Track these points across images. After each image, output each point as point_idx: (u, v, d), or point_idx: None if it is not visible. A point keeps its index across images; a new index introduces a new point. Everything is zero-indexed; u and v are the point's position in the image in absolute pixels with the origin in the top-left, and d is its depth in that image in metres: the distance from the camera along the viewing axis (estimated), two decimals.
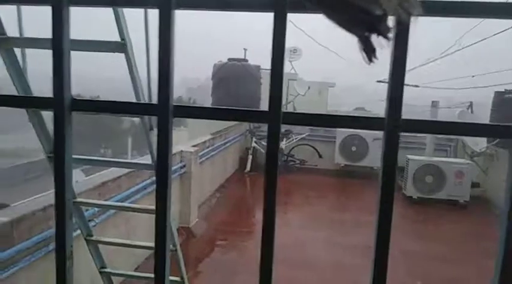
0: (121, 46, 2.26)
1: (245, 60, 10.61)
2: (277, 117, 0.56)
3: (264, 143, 10.50)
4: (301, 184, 9.65)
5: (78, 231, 3.16)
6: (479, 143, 9.36)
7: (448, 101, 12.79)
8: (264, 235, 0.58)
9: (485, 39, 8.10)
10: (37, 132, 2.59)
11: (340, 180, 10.18)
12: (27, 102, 0.73)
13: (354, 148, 10.42)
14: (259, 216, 8.00)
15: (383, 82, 10.46)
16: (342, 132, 10.36)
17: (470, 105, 10.52)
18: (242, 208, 8.04)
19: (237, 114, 0.60)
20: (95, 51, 2.21)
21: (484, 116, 9.56)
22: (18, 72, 2.44)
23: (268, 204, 0.58)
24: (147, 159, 3.16)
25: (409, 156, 8.74)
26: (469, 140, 9.56)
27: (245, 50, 11.24)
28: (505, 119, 8.37)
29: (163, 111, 0.58)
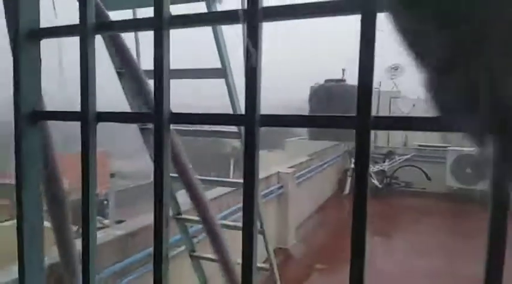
0: (222, 72, 2.41)
1: (343, 80, 10.45)
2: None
3: None
4: (406, 209, 8.94)
5: (183, 247, 3.37)
6: None
7: None
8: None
9: None
10: (150, 153, 2.88)
11: (452, 204, 9.18)
12: (131, 117, 0.81)
13: (468, 170, 9.36)
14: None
15: None
16: (453, 152, 9.42)
17: None
18: (341, 232, 7.73)
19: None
20: (197, 78, 2.40)
21: None
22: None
23: None
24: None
25: None
26: None
27: (343, 70, 11.09)
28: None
29: (251, 121, 0.59)
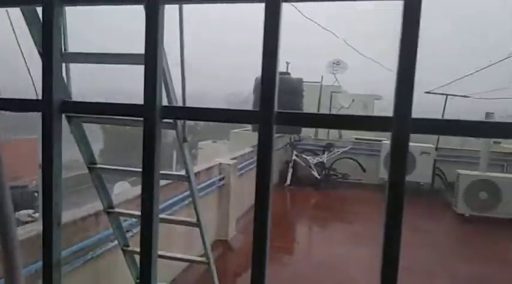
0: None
1: (287, 73, 10.61)
2: (268, 117, 0.51)
3: (305, 156, 10.37)
4: (343, 199, 9.36)
5: (116, 241, 3.23)
6: None
7: (504, 113, 11.96)
8: (254, 252, 0.52)
9: None
10: (78, 144, 2.70)
11: (384, 195, 9.76)
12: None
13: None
14: (299, 230, 7.83)
15: (432, 93, 9.99)
16: (387, 146, 9.98)
17: None
18: (282, 223, 7.91)
19: (228, 114, 0.55)
20: (123, 63, 2.27)
21: None
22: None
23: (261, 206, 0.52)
24: (182, 171, 3.18)
25: (460, 171, 8.22)
26: None
27: (287, 63, 11.25)
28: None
29: (151, 112, 0.55)
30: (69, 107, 0.59)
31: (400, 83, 0.47)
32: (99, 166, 2.68)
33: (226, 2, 0.53)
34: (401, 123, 0.47)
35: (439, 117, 0.48)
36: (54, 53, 0.57)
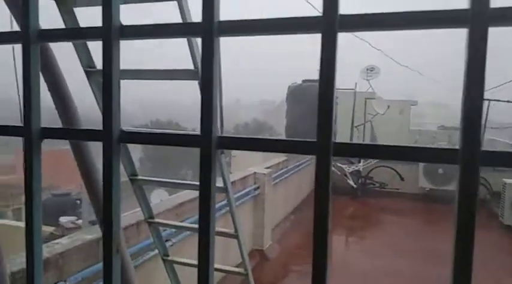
0: (194, 74, 2.35)
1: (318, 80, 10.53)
2: (326, 149, 0.50)
3: (339, 164, 10.18)
4: (381, 209, 9.10)
5: (156, 250, 3.30)
6: None
7: None
8: (313, 272, 0.51)
9: None
10: (121, 157, 2.79)
11: (424, 205, 9.40)
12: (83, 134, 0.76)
13: (441, 171, 9.61)
14: (335, 241, 7.68)
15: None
16: None
17: None
18: None
19: (284, 145, 0.55)
20: (169, 79, 2.33)
21: None
22: None
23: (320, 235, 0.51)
24: (219, 182, 3.21)
25: (507, 180, 7.79)
26: None
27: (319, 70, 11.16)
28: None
29: (207, 143, 0.55)
30: (127, 137, 0.61)
31: (467, 116, 0.45)
32: (140, 177, 2.75)
33: (283, 33, 0.53)
34: (470, 156, 0.45)
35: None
36: (113, 79, 0.59)
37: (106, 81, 0.58)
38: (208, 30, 0.53)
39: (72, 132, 0.66)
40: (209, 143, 0.54)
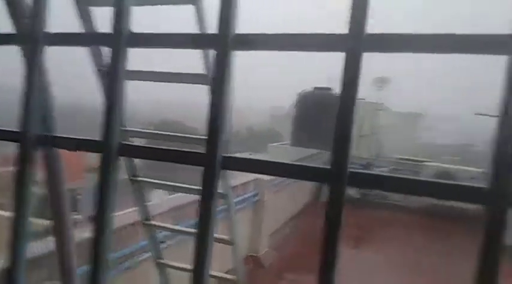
0: (205, 78, 2.29)
1: (329, 88, 10.49)
2: (341, 177, 0.45)
3: None
4: (381, 221, 9.02)
5: (150, 253, 3.25)
6: None
7: None
8: None
9: None
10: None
11: (427, 219, 9.30)
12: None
13: None
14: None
15: (483, 115, 9.45)
16: (430, 167, 9.58)
17: None
18: (315, 240, 7.72)
19: (297, 170, 0.50)
20: (178, 82, 2.27)
21: None
22: None
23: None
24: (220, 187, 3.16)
25: None
26: None
27: (329, 78, 11.15)
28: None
29: (212, 162, 0.51)
30: (126, 151, 0.56)
31: (498, 157, 0.40)
32: (141, 179, 2.71)
33: (304, 50, 0.48)
34: (499, 197, 0.40)
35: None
36: (116, 93, 0.54)
37: (108, 98, 0.54)
38: (223, 43, 0.48)
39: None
40: (213, 164, 0.50)
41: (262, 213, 6.08)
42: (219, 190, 2.94)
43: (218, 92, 0.50)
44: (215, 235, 2.48)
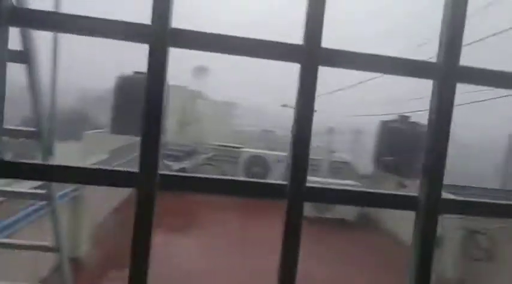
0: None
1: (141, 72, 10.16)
2: (299, 193, 0.43)
3: (167, 162, 10.03)
4: (202, 205, 9.41)
5: None
6: (366, 167, 10.35)
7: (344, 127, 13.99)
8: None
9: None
10: None
11: (241, 200, 10.19)
12: None
13: (256, 169, 10.63)
14: (157, 238, 7.49)
15: (288, 106, 10.96)
16: (245, 152, 10.51)
17: (358, 133, 11.67)
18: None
19: (252, 187, 0.46)
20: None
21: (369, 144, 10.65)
22: None
23: None
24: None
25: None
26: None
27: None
28: (388, 147, 9.42)
29: (147, 186, 0.41)
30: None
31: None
32: None
33: (255, 57, 0.43)
34: (430, 204, 0.46)
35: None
36: None
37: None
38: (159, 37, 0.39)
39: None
40: (150, 186, 0.41)
41: (82, 209, 5.50)
42: (37, 191, 2.49)
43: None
44: (33, 242, 2.09)
